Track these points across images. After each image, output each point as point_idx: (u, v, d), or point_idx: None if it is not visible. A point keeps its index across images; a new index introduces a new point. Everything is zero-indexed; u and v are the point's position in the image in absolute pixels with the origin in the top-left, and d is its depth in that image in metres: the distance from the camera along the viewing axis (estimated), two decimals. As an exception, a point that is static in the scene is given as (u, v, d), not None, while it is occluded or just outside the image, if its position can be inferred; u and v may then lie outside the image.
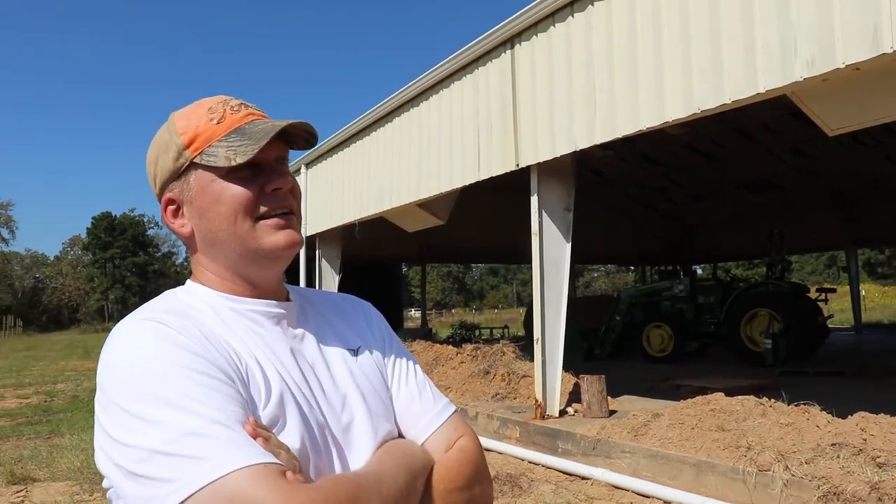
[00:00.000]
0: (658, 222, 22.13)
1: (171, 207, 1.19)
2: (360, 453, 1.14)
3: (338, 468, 1.10)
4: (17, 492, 6.73)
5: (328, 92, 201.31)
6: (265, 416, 1.03)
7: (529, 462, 7.05)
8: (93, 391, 14.34)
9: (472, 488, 1.20)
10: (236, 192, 1.12)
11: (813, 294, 15.13)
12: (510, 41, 8.72)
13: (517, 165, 8.54)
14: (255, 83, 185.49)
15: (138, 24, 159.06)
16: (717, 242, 21.86)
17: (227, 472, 0.89)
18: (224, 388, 0.99)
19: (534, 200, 8.20)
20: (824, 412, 5.88)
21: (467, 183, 9.66)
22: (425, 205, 11.15)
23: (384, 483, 1.04)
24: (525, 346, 10.52)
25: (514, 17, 8.41)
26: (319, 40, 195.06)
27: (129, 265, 79.16)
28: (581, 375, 8.12)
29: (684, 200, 20.05)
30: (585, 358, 15.25)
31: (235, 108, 1.17)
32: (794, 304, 13.52)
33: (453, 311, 72.84)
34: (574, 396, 8.43)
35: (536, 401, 7.99)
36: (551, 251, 8.16)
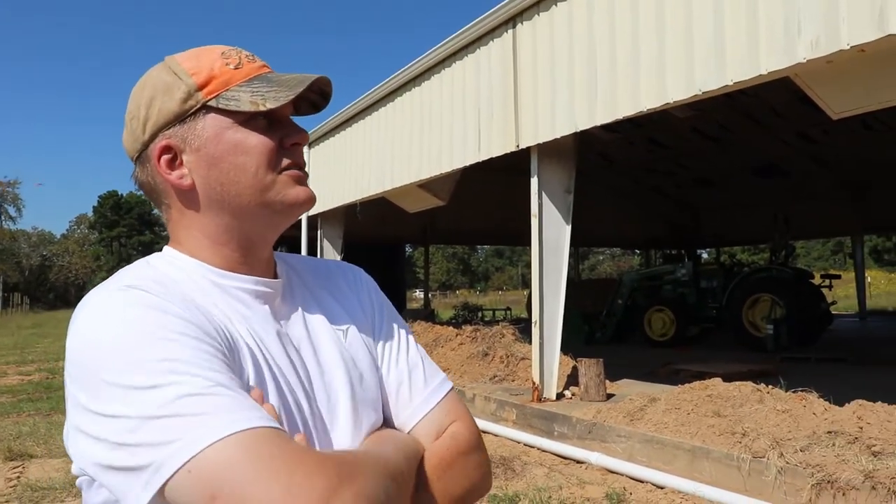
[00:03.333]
0: (664, 206, 22.03)
1: (166, 157, 1.05)
2: (343, 446, 1.06)
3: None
4: (13, 468, 6.74)
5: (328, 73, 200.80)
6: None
7: (525, 445, 7.02)
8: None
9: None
10: (260, 140, 1.04)
11: (817, 280, 15.04)
12: (512, 20, 8.62)
13: (517, 146, 8.46)
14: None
15: (147, 3, 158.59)
16: (723, 227, 21.74)
17: (244, 428, 0.81)
18: (216, 353, 0.90)
19: (534, 182, 8.13)
20: (822, 399, 5.82)
21: (468, 164, 9.59)
22: (426, 185, 11.08)
23: (389, 462, 0.98)
24: (526, 328, 10.47)
25: (516, -5, 8.31)
26: (316, 24, 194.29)
27: (136, 244, 79.46)
28: (579, 359, 8.07)
29: (691, 185, 19.93)
30: (587, 342, 15.21)
31: (250, 58, 1.09)
32: (796, 290, 13.43)
33: (458, 292, 72.88)
34: (572, 380, 8.39)
35: (534, 384, 7.95)
36: (551, 233, 8.09)
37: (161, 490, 0.80)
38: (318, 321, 1.14)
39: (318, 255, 15.15)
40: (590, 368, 7.79)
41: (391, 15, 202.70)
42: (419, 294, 50.61)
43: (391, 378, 1.19)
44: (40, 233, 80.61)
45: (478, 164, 9.45)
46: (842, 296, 21.51)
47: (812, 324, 13.39)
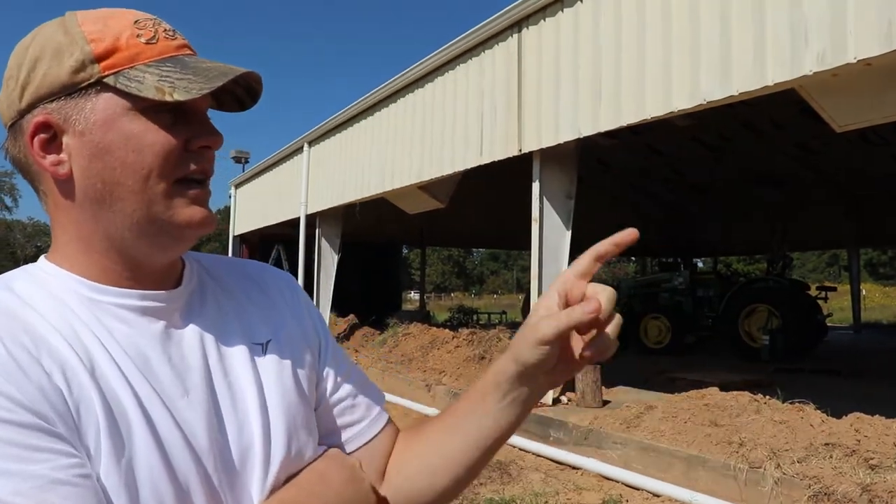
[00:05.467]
0: (661, 214, 22.04)
1: (42, 136, 0.84)
2: (253, 492, 0.88)
3: None
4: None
5: (328, 79, 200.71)
6: (104, 469, 0.75)
7: (520, 449, 7.01)
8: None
9: None
10: (160, 138, 0.83)
11: (813, 292, 15.06)
12: (518, 24, 8.63)
13: (520, 150, 8.48)
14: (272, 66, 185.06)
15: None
16: (720, 236, 21.77)
17: None
18: (29, 440, 0.70)
19: (535, 186, 8.13)
20: (818, 411, 5.84)
21: (469, 167, 9.59)
22: (426, 187, 11.08)
23: None
24: (521, 332, 10.47)
25: (522, 0, 8.32)
26: (318, 23, 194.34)
27: (131, 236, 79.35)
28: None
29: (688, 193, 19.95)
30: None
31: (170, 34, 0.88)
32: (793, 301, 13.46)
33: (452, 295, 72.81)
34: (568, 385, 8.37)
35: (530, 388, 7.94)
36: (551, 238, 8.10)
37: None
38: (230, 336, 0.95)
39: (316, 255, 15.14)
40: (586, 374, 7.78)
41: (395, 17, 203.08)
42: (414, 295, 50.61)
43: (337, 398, 1.04)
44: (35, 223, 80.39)
45: (478, 167, 9.46)
46: (836, 308, 21.53)
47: (807, 335, 13.42)
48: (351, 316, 17.24)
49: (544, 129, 8.09)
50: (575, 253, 8.55)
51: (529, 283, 8.31)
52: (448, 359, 10.75)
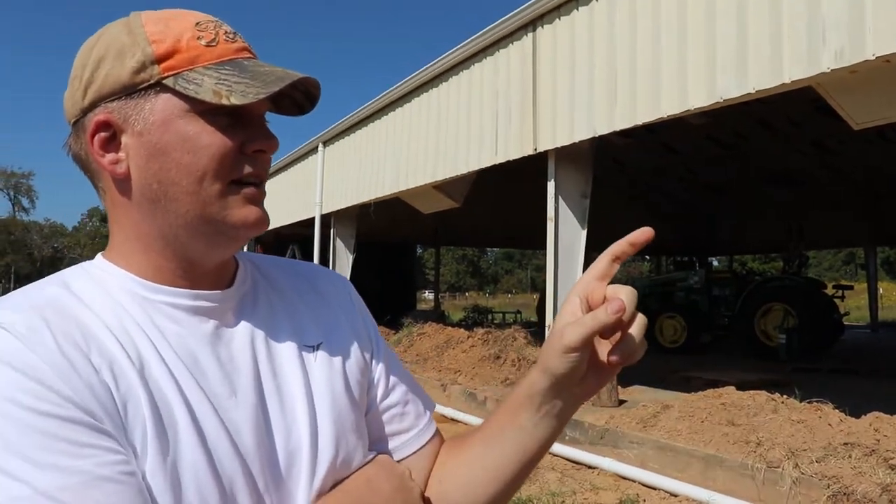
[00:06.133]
0: (676, 213, 21.97)
1: (102, 134, 0.85)
2: (298, 496, 0.88)
3: None
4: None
5: (341, 80, 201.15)
6: (149, 467, 0.76)
7: (536, 449, 7.00)
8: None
9: None
10: (216, 140, 0.84)
11: (829, 290, 14.97)
12: (532, 24, 8.62)
13: (535, 150, 8.47)
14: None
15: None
16: (735, 235, 21.68)
17: None
18: (78, 435, 0.71)
19: (550, 186, 8.13)
20: (837, 410, 5.80)
21: (484, 166, 9.60)
22: (441, 186, 11.09)
23: None
24: (537, 332, 10.48)
25: (536, -1, 8.32)
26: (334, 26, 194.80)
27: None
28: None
29: (704, 191, 19.87)
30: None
31: (230, 36, 0.89)
32: (809, 300, 13.39)
33: (467, 294, 72.82)
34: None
35: (546, 388, 7.93)
36: (566, 237, 8.09)
37: None
38: (283, 336, 0.95)
39: (331, 255, 15.19)
40: (602, 375, 7.77)
41: (408, 16, 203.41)
42: (428, 295, 50.66)
43: (387, 404, 1.04)
44: (52, 224, 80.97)
45: (492, 166, 9.46)
46: (853, 307, 21.40)
47: (824, 334, 13.34)
48: (366, 316, 17.25)
49: (559, 129, 8.08)
50: (590, 252, 8.56)
51: (544, 282, 8.30)
52: (463, 358, 10.76)
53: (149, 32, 0.85)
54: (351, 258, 15.11)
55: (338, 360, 0.98)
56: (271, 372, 0.91)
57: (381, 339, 1.10)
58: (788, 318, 13.13)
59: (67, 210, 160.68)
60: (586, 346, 0.83)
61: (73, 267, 0.90)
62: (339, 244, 15.26)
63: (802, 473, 4.87)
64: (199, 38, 0.86)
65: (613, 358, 0.84)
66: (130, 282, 0.87)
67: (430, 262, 48.12)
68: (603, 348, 0.86)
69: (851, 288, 17.66)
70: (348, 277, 14.70)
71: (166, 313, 0.86)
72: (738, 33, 5.95)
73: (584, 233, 8.17)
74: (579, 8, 7.85)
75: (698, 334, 14.73)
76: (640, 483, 5.79)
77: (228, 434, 0.83)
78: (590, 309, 0.85)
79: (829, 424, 5.56)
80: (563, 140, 8.01)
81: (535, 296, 36.98)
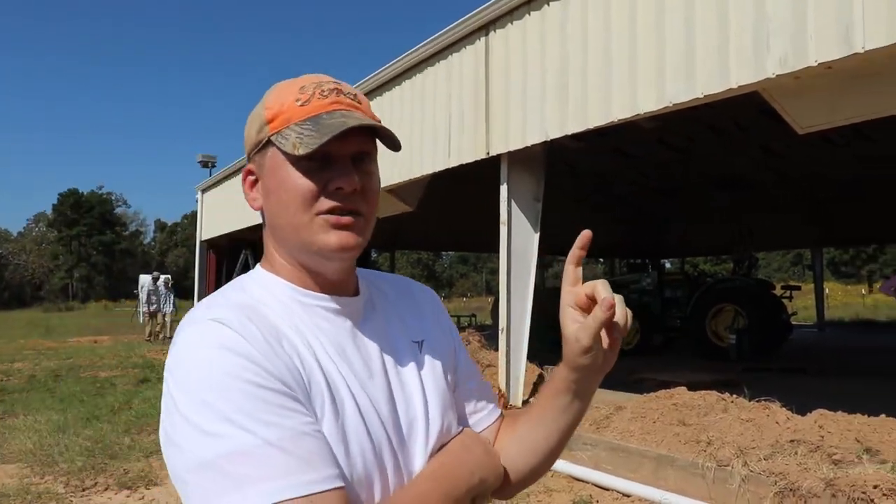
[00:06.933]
0: (629, 216, 22.22)
1: (249, 178, 1.17)
2: (417, 455, 1.14)
3: (392, 471, 1.09)
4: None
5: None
6: (326, 428, 1.01)
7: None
8: (51, 371, 14.01)
9: None
10: (299, 183, 1.07)
11: (778, 291, 15.27)
12: (485, 28, 8.64)
13: (488, 154, 8.49)
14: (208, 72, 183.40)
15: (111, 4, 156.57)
16: (687, 237, 22.00)
17: (283, 499, 0.89)
18: (283, 401, 0.96)
19: (503, 189, 8.16)
20: (784, 409, 5.93)
21: (437, 170, 9.59)
22: (394, 191, 11.05)
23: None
24: (491, 335, 10.49)
25: (489, 3, 8.34)
26: (283, 24, 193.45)
27: (96, 243, 78.21)
28: (545, 366, 8.11)
29: (655, 195, 20.13)
30: (551, 350, 15.23)
31: (325, 93, 1.11)
32: (759, 301, 13.63)
33: (422, 298, 72.62)
34: (538, 387, 8.41)
35: (500, 391, 7.97)
36: (519, 241, 8.13)
37: None
38: (397, 334, 1.22)
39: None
40: (556, 376, 7.81)
41: (366, 17, 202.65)
42: (384, 299, 50.35)
43: (467, 391, 1.32)
44: (-3, 231, 79.00)
45: (446, 170, 9.46)
46: (801, 307, 21.87)
47: (773, 334, 13.60)
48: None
49: (512, 132, 8.12)
50: (543, 255, 8.58)
51: (498, 285, 8.32)
52: (418, 362, 10.72)
53: (267, 101, 1.13)
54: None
55: (436, 353, 1.26)
56: (392, 360, 1.18)
57: (460, 337, 1.39)
58: (738, 319, 13.37)
59: (12, 215, 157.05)
60: (598, 341, 1.08)
61: (244, 276, 1.18)
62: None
63: (751, 471, 4.96)
64: (297, 100, 1.09)
65: (609, 339, 1.10)
66: (289, 289, 1.13)
67: (386, 265, 47.99)
68: (604, 332, 1.10)
69: (799, 288, 18.03)
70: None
71: (319, 314, 1.12)
72: (687, 39, 6.04)
73: (536, 236, 8.22)
74: (531, 13, 7.89)
75: (651, 336, 14.90)
76: (593, 484, 5.84)
77: (373, 405, 1.09)
78: (582, 309, 1.10)
79: (777, 423, 5.67)
80: (516, 144, 8.04)
81: (490, 299, 37.06)
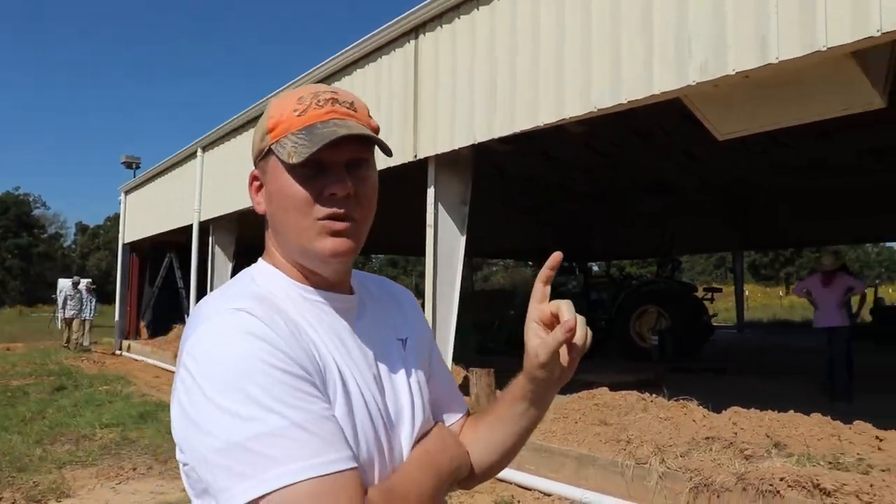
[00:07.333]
0: (556, 219, 22.49)
1: (255, 183, 1.23)
2: (403, 441, 1.21)
3: (386, 455, 1.17)
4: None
5: (224, 80, 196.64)
6: (338, 413, 1.07)
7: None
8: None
9: None
10: (294, 190, 1.13)
11: (700, 293, 15.66)
12: (415, 31, 8.66)
13: (415, 156, 8.50)
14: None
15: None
16: (613, 241, 22.38)
17: (300, 479, 0.94)
18: (306, 387, 1.02)
19: (430, 192, 8.18)
20: (701, 407, 6.09)
21: (366, 172, 9.54)
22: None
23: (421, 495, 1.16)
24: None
25: (419, 6, 8.36)
26: (210, 30, 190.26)
27: (11, 247, 75.36)
28: (470, 369, 8.14)
29: (582, 199, 20.42)
30: (478, 352, 15.35)
31: (321, 103, 1.15)
32: (681, 303, 13.96)
33: (353, 301, 72.30)
34: (463, 390, 8.43)
35: (427, 392, 7.96)
36: (445, 244, 8.15)
37: None
38: (385, 331, 1.30)
39: (210, 262, 14.81)
40: (481, 378, 7.85)
41: (293, 18, 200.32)
42: (313, 302, 49.95)
43: (439, 387, 1.39)
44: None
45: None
46: (722, 308, 22.50)
47: (695, 335, 13.94)
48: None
49: (440, 135, 8.15)
50: (469, 258, 8.61)
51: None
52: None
53: (269, 111, 1.18)
54: (231, 266, 14.76)
55: (417, 351, 1.35)
56: (383, 354, 1.26)
57: (433, 336, 1.50)
58: (661, 320, 13.67)
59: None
60: (555, 358, 1.16)
61: (250, 268, 1.24)
62: (218, 251, 14.88)
63: (668, 468, 5.08)
64: (295, 110, 1.14)
65: (568, 357, 1.19)
66: (292, 286, 1.19)
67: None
68: (563, 349, 1.18)
69: (720, 290, 18.53)
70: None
71: (323, 310, 1.19)
72: (612, 44, 6.16)
73: (463, 239, 8.26)
74: (461, 17, 7.93)
75: (577, 337, 15.09)
76: (515, 484, 5.89)
77: (371, 393, 1.17)
78: (546, 325, 1.19)
79: (694, 420, 5.83)
80: (444, 147, 8.07)
81: (420, 301, 37.02)
